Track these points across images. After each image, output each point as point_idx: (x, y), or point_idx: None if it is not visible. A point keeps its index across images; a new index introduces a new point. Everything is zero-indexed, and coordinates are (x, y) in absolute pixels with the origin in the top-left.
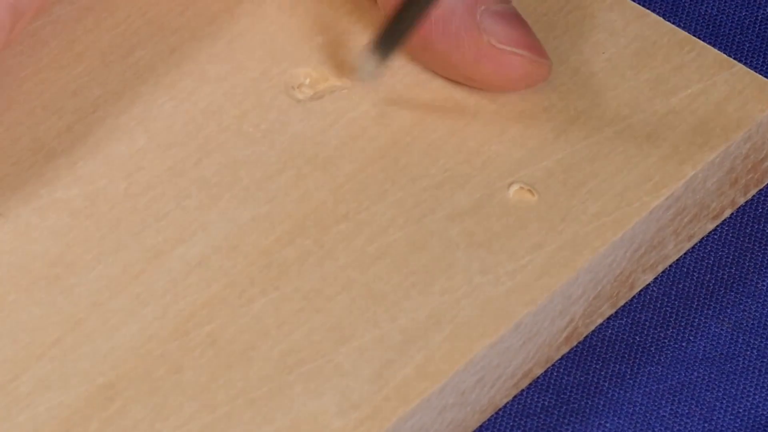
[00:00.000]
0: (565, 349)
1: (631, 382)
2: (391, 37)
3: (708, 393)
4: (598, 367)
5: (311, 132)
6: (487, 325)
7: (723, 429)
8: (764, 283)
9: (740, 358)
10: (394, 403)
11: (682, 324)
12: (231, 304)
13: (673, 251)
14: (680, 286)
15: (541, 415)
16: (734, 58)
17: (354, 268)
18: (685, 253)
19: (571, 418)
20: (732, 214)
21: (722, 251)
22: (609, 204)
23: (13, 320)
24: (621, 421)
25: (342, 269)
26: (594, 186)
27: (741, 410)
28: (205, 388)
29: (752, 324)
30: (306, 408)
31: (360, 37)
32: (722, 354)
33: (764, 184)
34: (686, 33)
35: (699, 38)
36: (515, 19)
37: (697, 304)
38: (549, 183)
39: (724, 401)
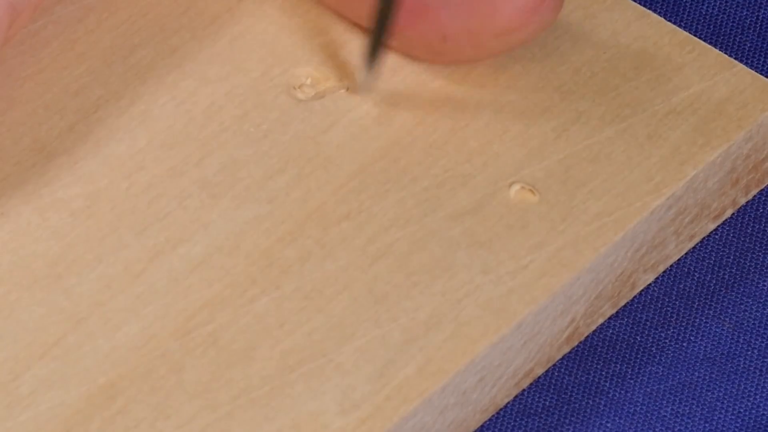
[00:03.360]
0: (566, 349)
1: (632, 382)
2: (373, 46)
3: (709, 393)
4: (599, 367)
5: (312, 132)
6: (488, 324)
7: (724, 429)
8: (765, 284)
9: (741, 358)
10: (395, 402)
11: (683, 324)
12: (232, 303)
13: (674, 251)
14: (681, 286)
15: (543, 415)
16: (735, 59)
17: (355, 267)
18: (686, 253)
19: (572, 418)
20: (733, 214)
21: (723, 251)
22: (610, 204)
23: (14, 320)
24: (622, 421)
25: (343, 269)
26: (595, 186)
27: (742, 410)
28: (206, 387)
29: (753, 324)
30: (307, 407)
31: (362, 37)
32: (723, 354)
33: (765, 184)
34: (687, 33)
35: (700, 38)
36: None
37: (698, 304)
38: (550, 183)
39: (725, 401)
